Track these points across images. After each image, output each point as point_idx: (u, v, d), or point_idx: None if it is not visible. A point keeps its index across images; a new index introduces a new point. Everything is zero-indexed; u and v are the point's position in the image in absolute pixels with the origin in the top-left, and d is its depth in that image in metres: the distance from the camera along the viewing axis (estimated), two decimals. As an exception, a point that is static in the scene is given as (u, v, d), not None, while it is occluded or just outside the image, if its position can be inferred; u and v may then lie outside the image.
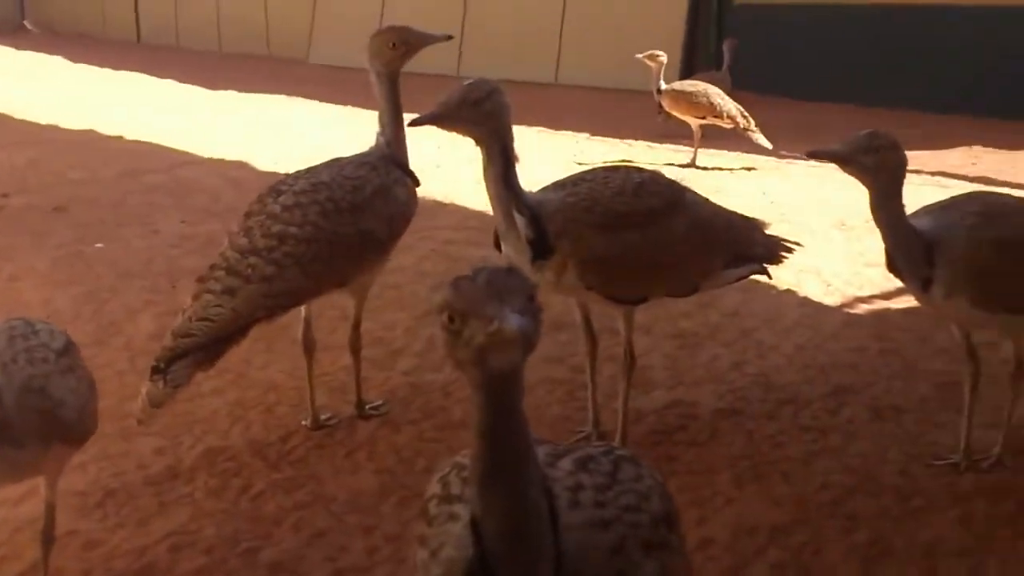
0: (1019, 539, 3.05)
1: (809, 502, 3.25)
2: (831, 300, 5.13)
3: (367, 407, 3.94)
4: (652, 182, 3.56)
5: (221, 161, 9.15)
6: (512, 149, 3.28)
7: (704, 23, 13.22)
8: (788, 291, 5.19)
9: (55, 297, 5.38)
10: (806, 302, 5.10)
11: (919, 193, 3.17)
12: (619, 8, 13.55)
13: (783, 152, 8.53)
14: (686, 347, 4.52)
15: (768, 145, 8.50)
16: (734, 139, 8.91)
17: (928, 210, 3.31)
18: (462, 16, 15.29)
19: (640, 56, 9.00)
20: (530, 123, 9.92)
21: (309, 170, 3.72)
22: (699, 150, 8.82)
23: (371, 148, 3.81)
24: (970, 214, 3.21)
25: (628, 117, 10.98)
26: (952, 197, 3.41)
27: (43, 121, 11.76)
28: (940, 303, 3.24)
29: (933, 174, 7.78)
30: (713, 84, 9.05)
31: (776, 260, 3.83)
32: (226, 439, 3.80)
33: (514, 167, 3.28)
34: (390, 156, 3.77)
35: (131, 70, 16.64)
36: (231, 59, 19.13)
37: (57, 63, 18.53)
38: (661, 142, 9.78)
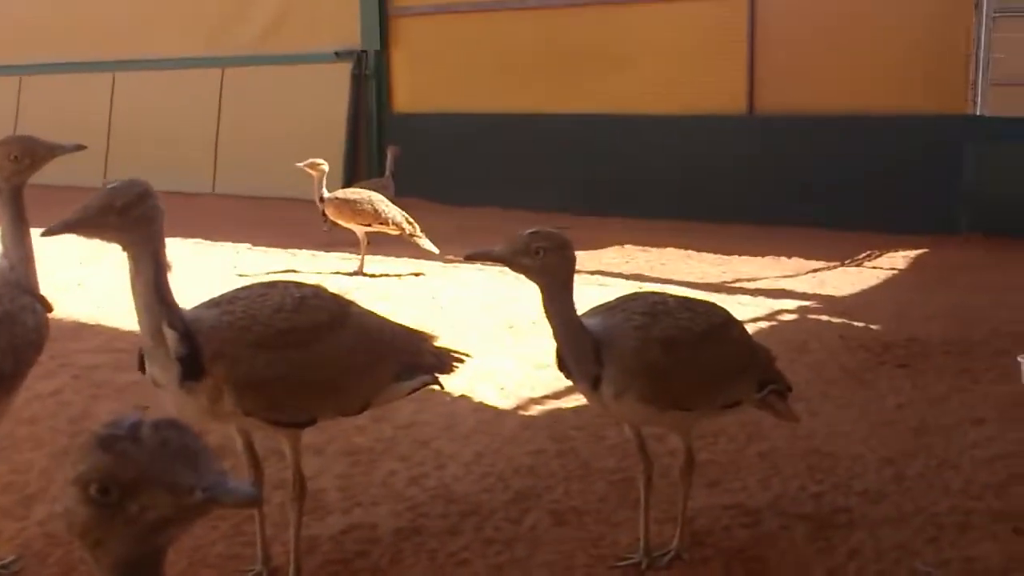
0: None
1: (497, 624, 3.08)
2: (506, 404, 5.09)
3: None
4: (315, 296, 3.31)
5: None
6: (164, 256, 2.94)
7: (366, 131, 13.30)
8: (463, 397, 5.10)
9: None
10: (481, 407, 5.02)
11: (581, 291, 3.18)
12: (279, 115, 13.35)
13: (449, 257, 8.60)
14: (360, 464, 4.26)
15: (435, 250, 8.54)
16: (401, 245, 8.90)
17: (596, 311, 3.32)
18: (107, 124, 14.50)
19: (301, 165, 8.84)
20: (185, 235, 9.44)
21: None
22: (366, 257, 8.72)
23: None
24: (637, 314, 3.24)
25: (291, 226, 10.74)
26: (618, 297, 3.43)
27: None
28: (610, 402, 3.22)
29: (592, 273, 8.11)
30: (377, 191, 9.04)
31: (448, 369, 3.70)
32: None
33: (166, 276, 2.94)
34: (15, 280, 3.32)
35: None
36: None
37: None
38: (327, 251, 9.60)
